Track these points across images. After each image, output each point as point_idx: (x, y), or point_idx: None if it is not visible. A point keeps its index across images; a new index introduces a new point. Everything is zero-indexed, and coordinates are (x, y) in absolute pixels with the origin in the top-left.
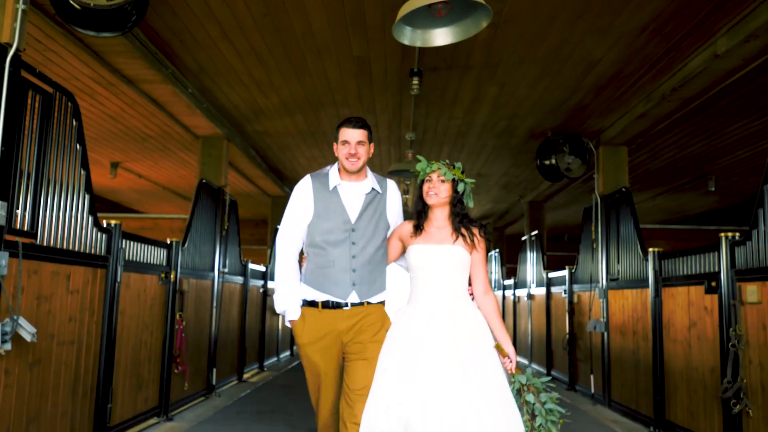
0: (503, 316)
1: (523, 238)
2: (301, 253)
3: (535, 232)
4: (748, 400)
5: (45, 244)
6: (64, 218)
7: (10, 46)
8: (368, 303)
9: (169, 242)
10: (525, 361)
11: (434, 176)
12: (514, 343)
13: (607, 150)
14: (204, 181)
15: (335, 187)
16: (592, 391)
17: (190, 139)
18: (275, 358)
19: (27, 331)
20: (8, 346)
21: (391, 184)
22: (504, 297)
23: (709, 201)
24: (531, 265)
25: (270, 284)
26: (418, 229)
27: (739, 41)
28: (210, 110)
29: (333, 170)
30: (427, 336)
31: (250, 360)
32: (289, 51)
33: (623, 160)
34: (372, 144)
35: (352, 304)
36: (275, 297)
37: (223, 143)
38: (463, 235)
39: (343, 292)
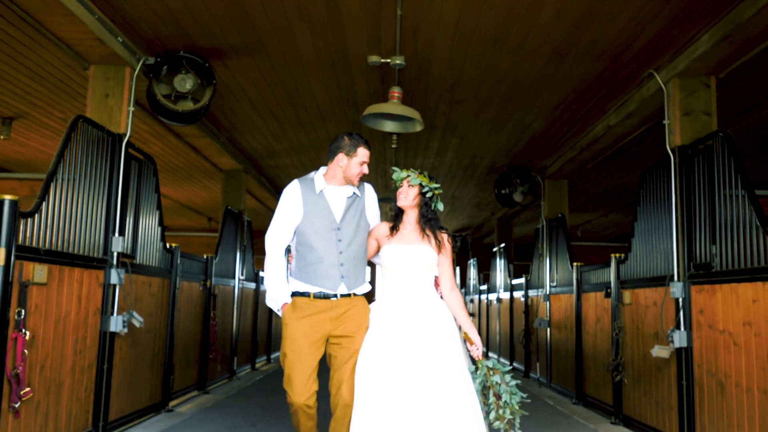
0: (479, 318)
1: (494, 249)
2: (288, 251)
3: (503, 244)
4: (624, 372)
5: (139, 262)
6: (148, 244)
7: (125, 135)
8: (354, 294)
9: (206, 257)
10: (495, 356)
11: (405, 182)
12: (488, 342)
13: (551, 182)
14: (228, 207)
15: (321, 191)
16: (538, 375)
17: (214, 170)
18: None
19: (137, 320)
20: (126, 330)
21: (369, 188)
22: (480, 300)
23: None
24: (499, 272)
25: None
26: (393, 230)
27: (622, 117)
28: (234, 152)
29: (318, 176)
30: (394, 335)
31: (260, 352)
32: (300, 116)
33: (564, 191)
34: None
35: (342, 295)
36: (266, 287)
37: (242, 175)
38: (428, 236)
39: (333, 285)
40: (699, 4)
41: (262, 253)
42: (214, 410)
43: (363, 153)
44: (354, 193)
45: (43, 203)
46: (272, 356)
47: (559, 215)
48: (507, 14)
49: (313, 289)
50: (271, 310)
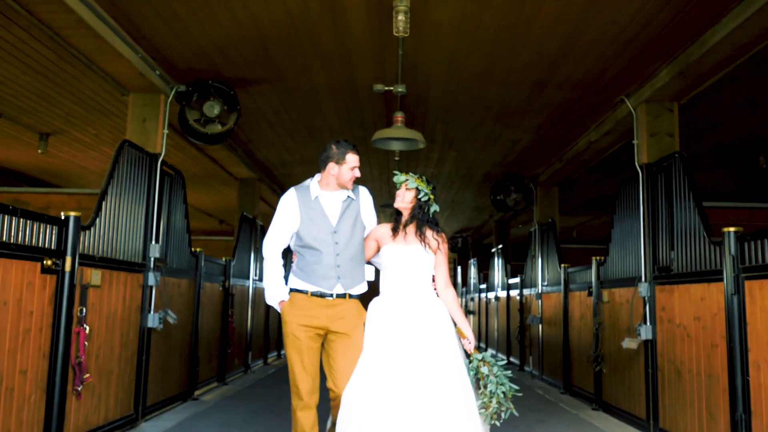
0: (479, 315)
1: (492, 250)
2: (290, 251)
3: (501, 245)
4: (603, 363)
5: (170, 266)
6: (178, 249)
7: (159, 155)
8: (350, 295)
9: (224, 260)
10: (493, 351)
11: (403, 186)
12: (486, 338)
13: (543, 189)
14: (244, 213)
15: (317, 197)
16: (531, 369)
17: (229, 179)
18: None
19: (171, 317)
20: (161, 326)
21: (363, 190)
22: (479, 299)
23: None
24: (497, 272)
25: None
26: (394, 231)
27: (602, 134)
28: (250, 163)
29: (313, 183)
30: (392, 332)
31: (271, 348)
32: (311, 132)
33: (555, 197)
34: None
35: (337, 295)
36: (266, 287)
37: (256, 183)
38: (425, 237)
39: (330, 285)
40: (655, 46)
41: None
42: (235, 399)
43: (352, 158)
44: (348, 196)
45: (97, 217)
46: (282, 352)
47: (550, 220)
48: (492, 54)
49: (311, 288)
50: None
